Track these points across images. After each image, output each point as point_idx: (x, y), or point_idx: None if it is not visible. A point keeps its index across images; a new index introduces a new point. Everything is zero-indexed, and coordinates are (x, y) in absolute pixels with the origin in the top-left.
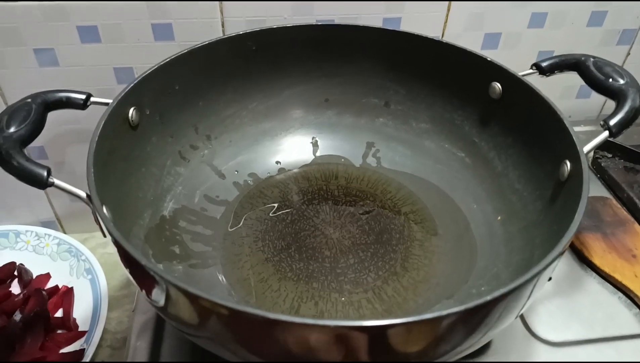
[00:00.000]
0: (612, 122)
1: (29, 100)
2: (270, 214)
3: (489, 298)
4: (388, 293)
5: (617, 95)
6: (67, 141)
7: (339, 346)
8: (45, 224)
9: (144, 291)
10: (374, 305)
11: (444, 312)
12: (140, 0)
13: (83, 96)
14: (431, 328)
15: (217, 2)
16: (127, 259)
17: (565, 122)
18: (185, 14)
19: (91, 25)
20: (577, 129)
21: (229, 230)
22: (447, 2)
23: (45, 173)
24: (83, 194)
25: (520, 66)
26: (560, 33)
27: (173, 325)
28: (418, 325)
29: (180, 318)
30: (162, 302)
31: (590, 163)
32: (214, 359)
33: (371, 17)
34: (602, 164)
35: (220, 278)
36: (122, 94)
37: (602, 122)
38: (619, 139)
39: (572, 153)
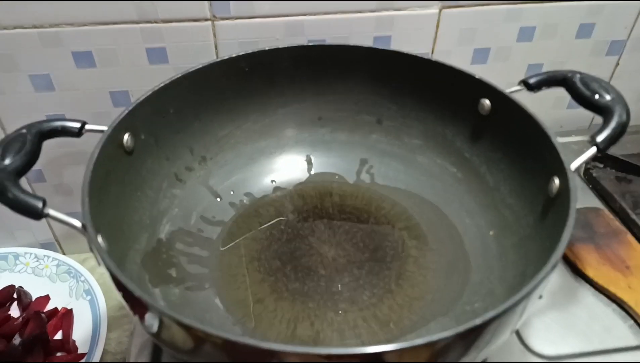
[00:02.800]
0: (600, 138)
1: (24, 130)
2: (260, 228)
3: (478, 322)
4: (383, 311)
5: (604, 111)
6: (63, 163)
7: None
8: (45, 245)
9: (137, 318)
10: (370, 323)
11: (436, 337)
12: (134, 24)
13: (78, 125)
14: (425, 351)
15: (210, 24)
16: (121, 288)
17: (552, 139)
18: (178, 38)
19: (86, 51)
20: (568, 139)
21: (226, 250)
22: (436, 20)
23: (40, 204)
24: (78, 224)
25: (511, 79)
26: (549, 46)
27: (168, 351)
28: (412, 350)
29: (175, 345)
30: (155, 329)
31: (582, 174)
32: None
33: (362, 36)
34: (594, 175)
35: (216, 300)
36: (117, 121)
37: (589, 138)
38: (611, 150)
39: (560, 169)
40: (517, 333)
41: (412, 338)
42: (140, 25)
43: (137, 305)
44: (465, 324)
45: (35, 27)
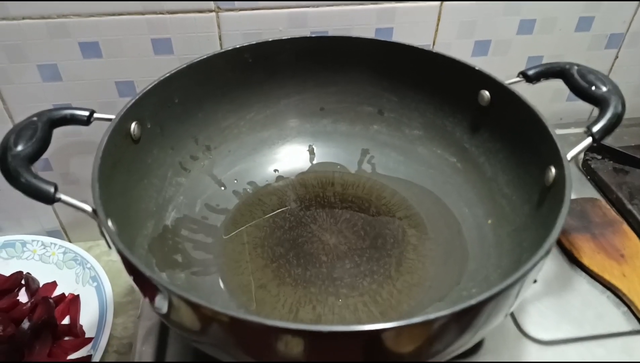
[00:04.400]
0: (595, 128)
1: (35, 118)
2: (265, 216)
3: (473, 302)
4: (383, 296)
5: (600, 102)
6: (70, 152)
7: (335, 349)
8: (51, 233)
9: (148, 299)
10: (370, 308)
11: (433, 316)
12: (140, 15)
13: (86, 113)
14: (422, 330)
15: (215, 16)
16: (132, 270)
17: (550, 129)
18: (183, 29)
19: (92, 42)
20: (567, 131)
21: (229, 237)
22: (437, 12)
23: (52, 189)
24: (89, 209)
25: (510, 71)
26: (549, 39)
27: (176, 331)
28: (409, 329)
29: (183, 325)
30: (165, 310)
31: (580, 165)
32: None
33: (364, 28)
34: (592, 166)
35: (221, 284)
36: (124, 109)
37: (585, 129)
38: (608, 141)
39: (557, 159)
40: (513, 318)
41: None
42: (146, 16)
43: (148, 286)
44: (462, 304)
45: (43, 17)
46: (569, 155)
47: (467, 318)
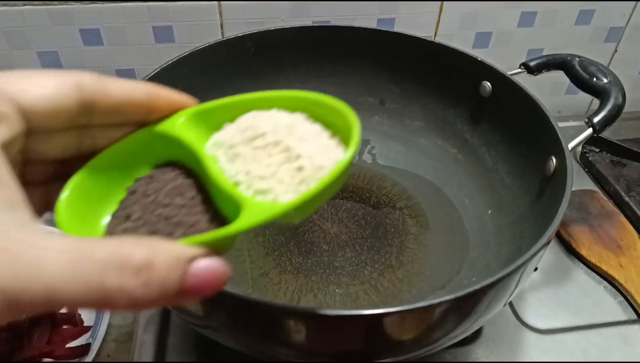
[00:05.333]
0: (596, 119)
1: None
2: None
3: (477, 287)
4: (384, 285)
5: (600, 93)
6: None
7: (337, 334)
8: (49, 222)
9: None
10: (371, 296)
11: (436, 301)
12: (142, 2)
13: None
14: (424, 316)
15: (217, 4)
16: None
17: (551, 119)
18: (185, 17)
19: (94, 28)
20: (566, 124)
21: None
22: (439, 3)
23: None
24: None
25: (511, 64)
26: (549, 31)
27: (179, 316)
28: (411, 314)
29: (186, 309)
30: None
31: (578, 157)
32: (218, 351)
33: (366, 18)
34: (590, 159)
35: None
36: None
37: (586, 120)
38: (606, 134)
39: (557, 149)
40: (512, 307)
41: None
42: (148, 3)
43: None
44: (465, 289)
45: (44, 3)
46: (570, 145)
47: (468, 304)
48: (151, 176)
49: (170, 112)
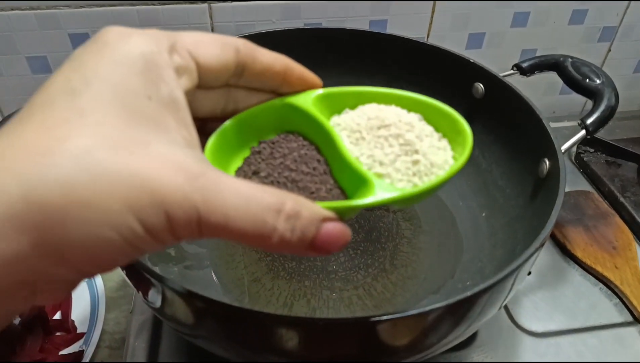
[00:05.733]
0: (589, 121)
1: None
2: None
3: (469, 293)
4: (377, 289)
5: (593, 94)
6: None
7: (329, 341)
8: None
9: (141, 293)
10: (364, 301)
11: (428, 308)
12: (131, 5)
13: None
14: (417, 322)
15: (207, 6)
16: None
17: (544, 121)
18: (175, 20)
19: (83, 32)
20: (560, 125)
21: None
22: (431, 4)
23: None
24: None
25: (505, 64)
26: (542, 31)
27: (170, 325)
28: (404, 320)
29: (177, 318)
30: (159, 303)
31: (573, 158)
32: (210, 359)
33: (358, 19)
34: (585, 159)
35: (214, 278)
36: None
37: (579, 121)
38: (601, 134)
39: (551, 151)
40: (507, 310)
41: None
42: (137, 7)
43: (141, 280)
44: (457, 296)
45: (32, 8)
46: (563, 147)
47: (461, 310)
48: (275, 141)
49: (299, 85)
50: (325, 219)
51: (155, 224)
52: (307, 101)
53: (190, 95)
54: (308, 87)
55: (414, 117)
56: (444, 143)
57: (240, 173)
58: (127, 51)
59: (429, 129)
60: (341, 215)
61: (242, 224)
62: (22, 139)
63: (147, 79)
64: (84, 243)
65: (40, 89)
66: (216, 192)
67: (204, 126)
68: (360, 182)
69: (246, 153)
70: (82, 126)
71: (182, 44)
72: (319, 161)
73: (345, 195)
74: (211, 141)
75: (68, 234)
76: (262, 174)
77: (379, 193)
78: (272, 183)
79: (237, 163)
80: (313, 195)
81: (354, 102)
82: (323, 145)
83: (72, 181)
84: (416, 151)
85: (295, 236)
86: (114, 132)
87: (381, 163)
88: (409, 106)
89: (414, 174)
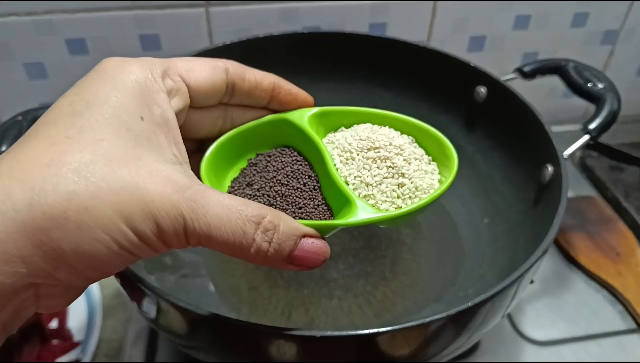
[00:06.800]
0: (592, 126)
1: (20, 118)
2: None
3: (471, 304)
4: (377, 298)
5: (596, 99)
6: None
7: (328, 353)
8: None
9: (136, 304)
10: (364, 309)
11: (428, 319)
12: (128, 11)
13: None
14: (418, 333)
15: (204, 11)
16: (119, 273)
17: (546, 127)
18: (172, 25)
19: (79, 38)
20: (562, 128)
21: None
22: (431, 6)
23: None
24: None
25: (506, 68)
26: (544, 34)
27: (165, 336)
28: (405, 332)
29: (172, 330)
30: (153, 315)
31: (575, 162)
32: None
33: (357, 23)
34: (588, 164)
35: (211, 287)
36: None
37: (582, 126)
38: (603, 138)
39: (553, 157)
40: (509, 318)
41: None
42: (134, 11)
43: (135, 290)
44: (458, 307)
45: (29, 14)
46: (566, 153)
47: (463, 320)
48: (271, 154)
49: (289, 103)
50: (305, 236)
51: (145, 230)
52: (303, 118)
53: (186, 115)
54: (298, 104)
55: (405, 140)
56: (432, 166)
57: (235, 183)
58: (124, 78)
59: (419, 152)
60: (322, 232)
61: (224, 233)
62: (28, 153)
63: (141, 102)
64: (81, 246)
65: (46, 112)
66: (201, 203)
67: (205, 145)
68: (344, 201)
69: (243, 163)
70: (81, 142)
71: (175, 69)
72: (310, 176)
73: (331, 211)
74: (209, 152)
75: (68, 236)
76: (255, 186)
77: (360, 214)
78: (263, 196)
79: (234, 173)
80: (300, 210)
81: (350, 121)
82: (315, 161)
83: (73, 189)
84: (402, 175)
85: (272, 248)
86: (110, 148)
87: (367, 184)
88: (403, 128)
89: (398, 197)
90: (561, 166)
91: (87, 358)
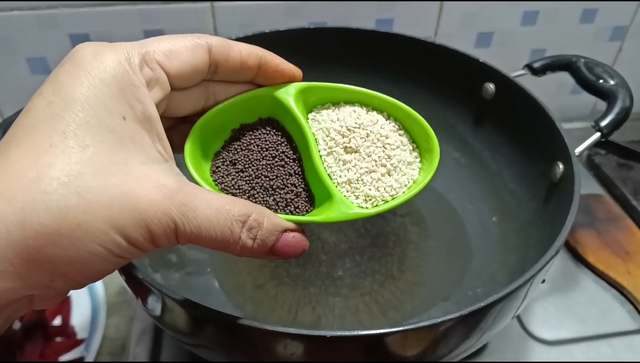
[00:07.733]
0: (604, 123)
1: None
2: None
3: (482, 304)
4: (385, 296)
5: (607, 96)
6: None
7: (336, 353)
8: None
9: (140, 301)
10: (371, 308)
11: (439, 319)
12: (132, 5)
13: None
14: (427, 334)
15: (210, 5)
16: (124, 270)
17: (557, 124)
18: (176, 20)
19: (83, 33)
20: (571, 125)
21: None
22: (439, 3)
23: None
24: None
25: (513, 64)
26: (552, 30)
27: (170, 334)
28: (414, 333)
29: (178, 328)
30: (158, 312)
31: (583, 160)
32: None
33: (364, 18)
34: (596, 161)
35: (216, 285)
36: None
37: (593, 123)
38: (612, 136)
39: (564, 154)
40: (518, 317)
41: (414, 323)
42: (138, 6)
43: (140, 288)
44: (470, 307)
45: (32, 9)
46: (577, 150)
47: (474, 320)
48: (255, 129)
49: (276, 78)
50: (286, 230)
51: (137, 238)
52: (289, 94)
53: (165, 102)
54: (286, 79)
55: (391, 128)
56: (415, 154)
57: (219, 159)
58: (100, 73)
59: (403, 140)
60: (303, 225)
61: (213, 233)
62: (13, 167)
63: (122, 99)
64: (75, 260)
65: (23, 113)
66: (191, 206)
67: (188, 117)
68: (327, 194)
69: (227, 134)
70: (66, 151)
71: (152, 55)
72: (294, 160)
73: (313, 199)
74: (190, 136)
75: (62, 252)
76: (239, 166)
77: (341, 210)
78: (245, 179)
79: (219, 144)
80: (282, 199)
81: (336, 98)
82: (299, 142)
83: (64, 206)
84: (383, 166)
85: (256, 244)
86: (97, 154)
87: (349, 180)
88: (389, 110)
89: (377, 190)
90: (573, 164)
91: (91, 356)
